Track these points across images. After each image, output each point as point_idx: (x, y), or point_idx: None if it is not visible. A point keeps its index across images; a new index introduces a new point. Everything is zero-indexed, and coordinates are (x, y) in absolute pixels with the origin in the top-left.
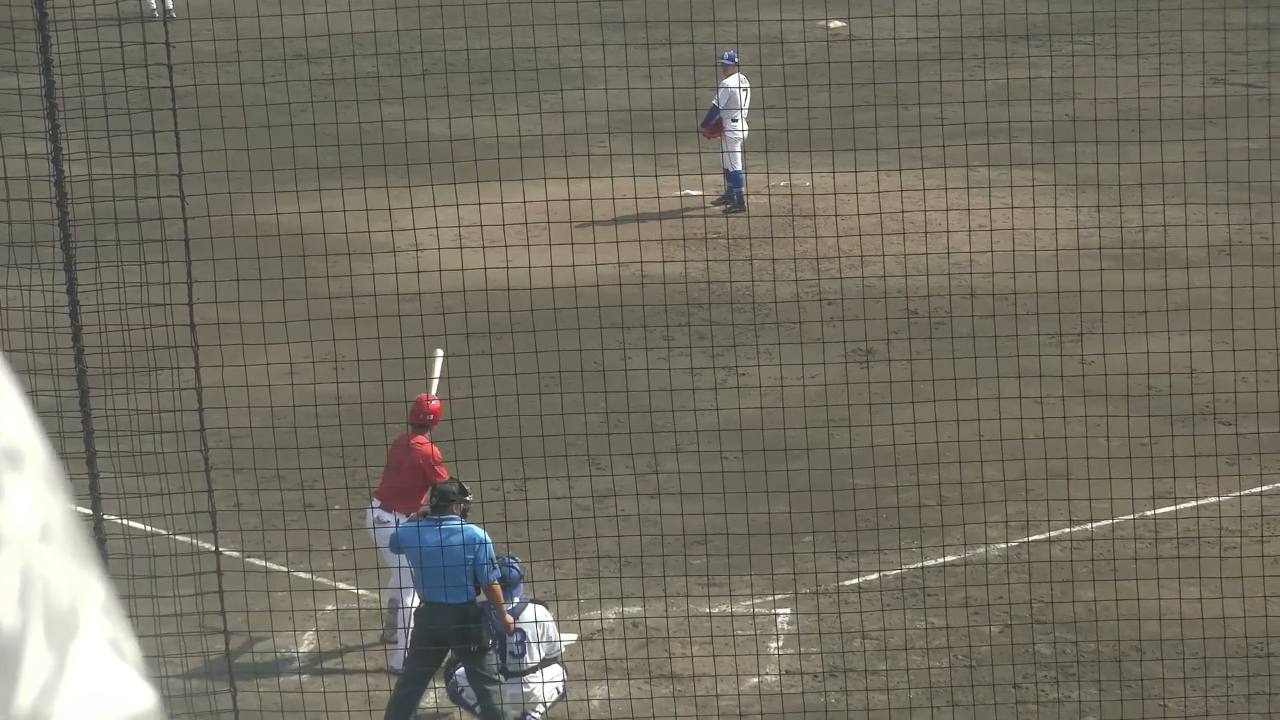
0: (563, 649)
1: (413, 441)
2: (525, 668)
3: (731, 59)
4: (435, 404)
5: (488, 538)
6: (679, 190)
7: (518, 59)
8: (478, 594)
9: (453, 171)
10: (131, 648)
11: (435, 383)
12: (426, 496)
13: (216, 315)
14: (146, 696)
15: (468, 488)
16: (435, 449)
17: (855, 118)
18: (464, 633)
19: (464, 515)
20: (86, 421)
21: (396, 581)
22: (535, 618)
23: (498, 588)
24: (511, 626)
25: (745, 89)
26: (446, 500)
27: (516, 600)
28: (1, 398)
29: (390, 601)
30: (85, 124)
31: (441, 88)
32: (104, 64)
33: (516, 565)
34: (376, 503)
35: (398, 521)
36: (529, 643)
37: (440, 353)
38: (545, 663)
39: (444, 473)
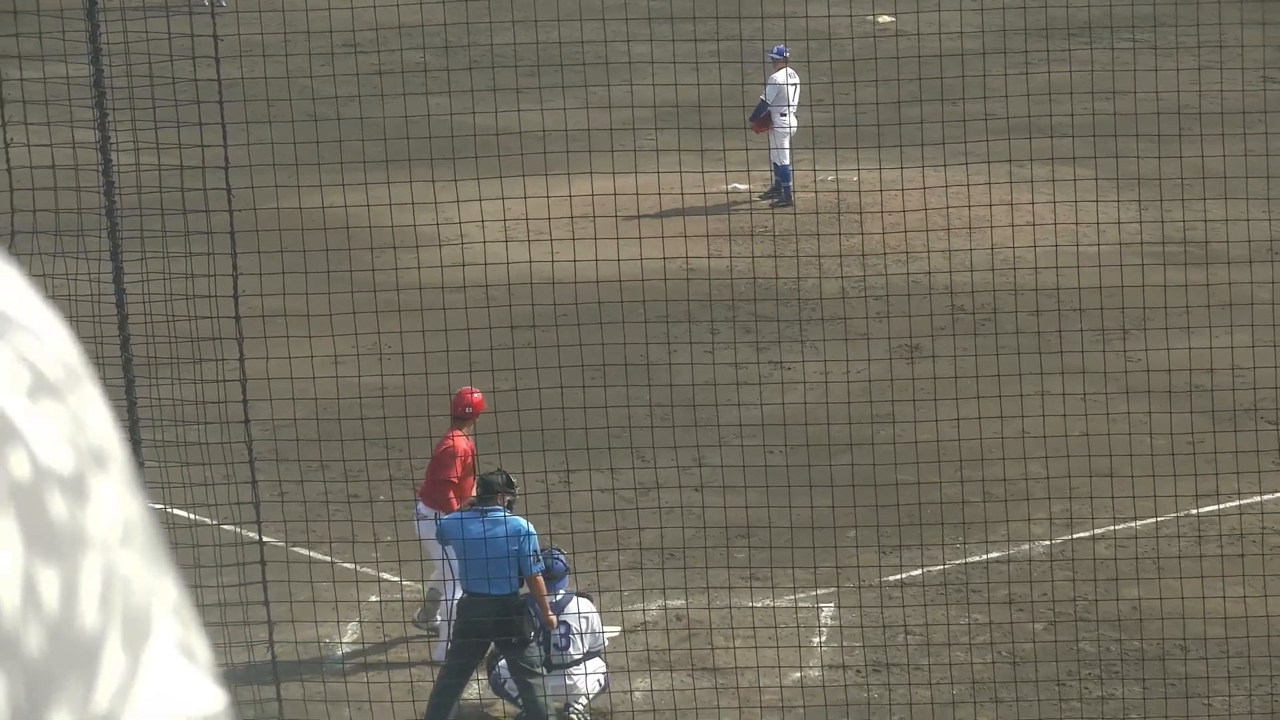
0: (606, 642)
1: (447, 434)
2: (569, 660)
3: (781, 53)
4: (478, 396)
5: (532, 529)
6: (726, 185)
7: (565, 52)
8: (520, 586)
9: (499, 165)
10: (203, 651)
11: None
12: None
13: (262, 306)
14: (217, 700)
15: (514, 479)
16: (459, 443)
17: (902, 113)
18: (505, 624)
19: (510, 507)
20: (132, 411)
21: (439, 574)
22: (579, 610)
23: (541, 581)
24: (554, 622)
25: (794, 84)
26: (491, 491)
27: (561, 593)
28: (89, 400)
29: (430, 592)
30: (133, 114)
31: (489, 80)
32: (152, 54)
33: (562, 558)
34: (420, 499)
35: (436, 516)
36: (573, 635)
37: None
38: (589, 655)
39: (456, 469)
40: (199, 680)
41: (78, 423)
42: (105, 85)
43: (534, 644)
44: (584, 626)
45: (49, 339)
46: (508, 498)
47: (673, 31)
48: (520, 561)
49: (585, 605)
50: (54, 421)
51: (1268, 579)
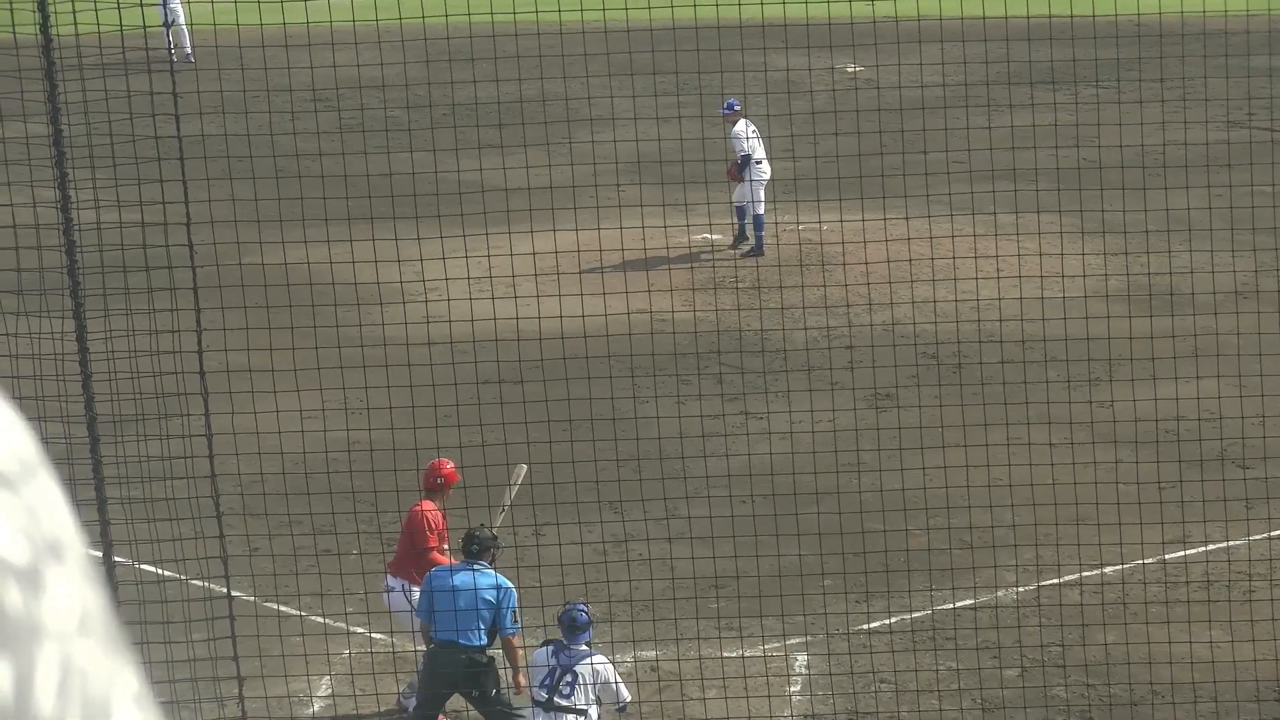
0: (625, 698)
1: (416, 507)
2: (569, 706)
3: (731, 107)
4: (450, 467)
5: (512, 586)
6: (688, 236)
7: (527, 107)
8: (490, 643)
9: (462, 220)
10: None
11: (512, 490)
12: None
13: (226, 361)
14: None
15: (496, 533)
16: (430, 514)
17: (871, 163)
18: (472, 677)
19: (493, 561)
20: (97, 469)
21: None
22: (593, 663)
23: (516, 642)
24: (523, 685)
25: (754, 133)
26: (479, 546)
27: (583, 646)
28: (44, 491)
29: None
30: (93, 172)
31: (452, 136)
32: (112, 112)
33: (586, 611)
34: (389, 571)
35: (404, 587)
36: (579, 685)
37: (524, 469)
38: (593, 706)
39: (431, 540)
40: None
41: (32, 515)
42: (65, 144)
43: (505, 693)
44: (593, 679)
45: (3, 432)
46: (492, 551)
47: (631, 87)
48: (498, 618)
49: (599, 659)
50: (8, 513)
51: (1238, 625)
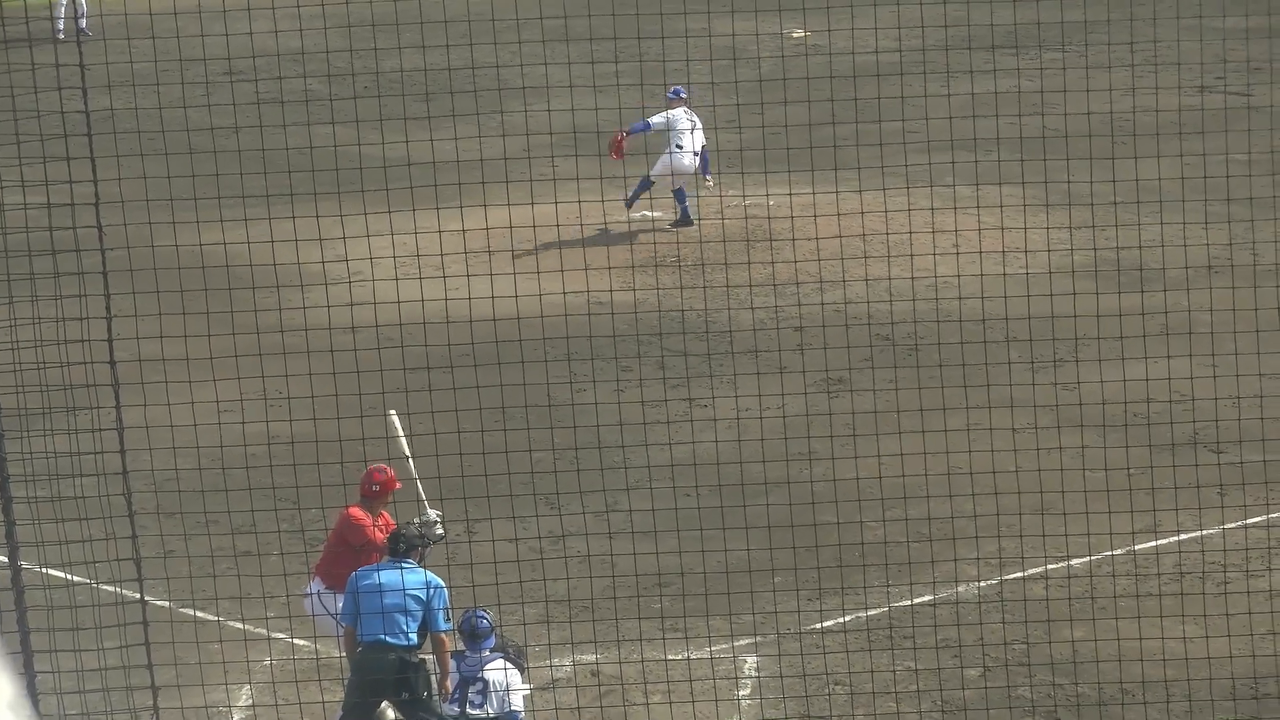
0: (519, 706)
1: (344, 511)
2: (482, 717)
3: (678, 94)
4: (390, 473)
5: (443, 583)
6: (639, 212)
7: (456, 78)
8: (420, 643)
9: (388, 198)
10: None
11: (404, 442)
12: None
13: (139, 350)
14: None
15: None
16: (358, 515)
17: (818, 133)
18: (401, 680)
19: (422, 560)
20: (1, 466)
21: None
22: (499, 668)
23: (447, 640)
24: (450, 689)
25: (694, 124)
26: (405, 544)
27: (486, 652)
28: None
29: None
30: None
31: (376, 109)
32: (15, 86)
33: (487, 617)
34: (316, 575)
35: (318, 594)
36: (490, 694)
37: (393, 413)
38: (504, 716)
39: (368, 531)
40: None
41: None
42: None
43: (436, 698)
44: (504, 684)
45: None
46: (421, 551)
47: (567, 54)
48: (428, 616)
49: (503, 664)
50: None
51: (1211, 618)
